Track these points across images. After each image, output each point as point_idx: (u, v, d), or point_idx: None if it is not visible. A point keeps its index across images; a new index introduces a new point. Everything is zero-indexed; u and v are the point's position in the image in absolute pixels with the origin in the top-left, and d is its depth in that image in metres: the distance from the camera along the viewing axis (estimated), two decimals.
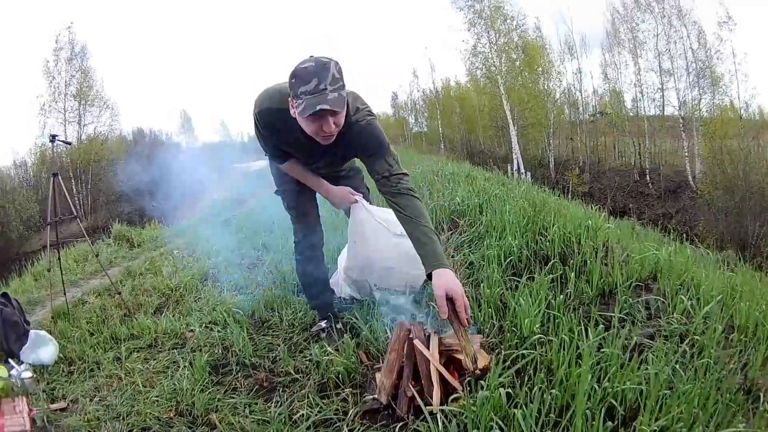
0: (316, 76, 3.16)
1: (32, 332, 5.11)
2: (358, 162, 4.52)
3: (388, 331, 3.95)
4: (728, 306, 3.76)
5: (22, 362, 4.86)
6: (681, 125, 34.40)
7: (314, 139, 3.49)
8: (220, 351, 4.60)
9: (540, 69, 41.54)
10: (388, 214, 4.33)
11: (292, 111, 3.36)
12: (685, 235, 6.01)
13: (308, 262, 4.51)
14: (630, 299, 3.93)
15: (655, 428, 2.52)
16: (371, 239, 4.45)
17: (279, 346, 4.47)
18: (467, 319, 3.12)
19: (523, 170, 36.97)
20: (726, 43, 33.23)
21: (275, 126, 3.72)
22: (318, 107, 3.15)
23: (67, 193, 6.72)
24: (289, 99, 3.34)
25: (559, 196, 8.64)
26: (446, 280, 3.13)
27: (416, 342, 3.14)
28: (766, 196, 26.62)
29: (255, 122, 3.77)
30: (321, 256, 4.59)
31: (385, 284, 4.58)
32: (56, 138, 6.71)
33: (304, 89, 3.18)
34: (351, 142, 3.68)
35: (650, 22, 36.57)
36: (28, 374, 4.61)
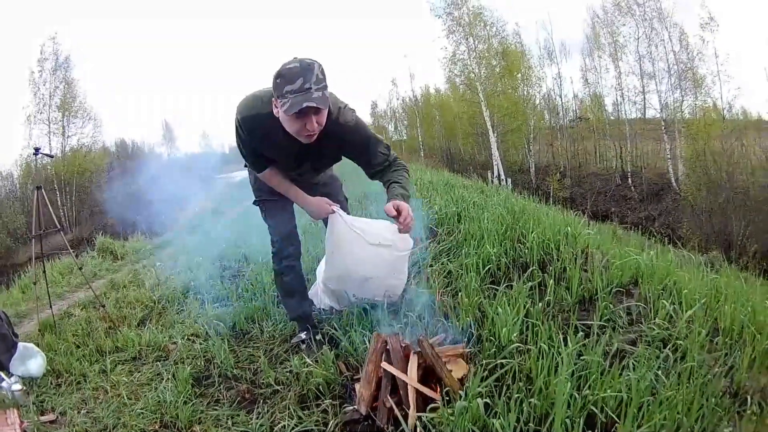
0: (301, 76, 3.31)
1: (20, 345, 5.09)
2: (335, 170, 4.72)
3: (366, 341, 3.95)
4: (712, 309, 3.76)
5: (12, 374, 4.85)
6: (663, 127, 34.47)
7: (298, 143, 3.66)
8: (202, 363, 4.61)
9: (520, 75, 41.55)
10: (364, 224, 4.38)
11: (275, 110, 3.53)
12: (668, 237, 6.03)
13: (286, 272, 4.54)
14: (611, 305, 3.94)
15: None
16: (348, 249, 4.43)
17: (260, 357, 4.47)
18: (408, 222, 3.61)
19: (503, 176, 36.91)
20: (708, 44, 33.33)
21: (258, 131, 3.78)
22: (304, 104, 3.29)
23: (50, 207, 6.70)
24: (273, 98, 3.49)
25: (539, 201, 8.63)
26: (397, 202, 3.62)
27: (391, 369, 3.17)
28: (750, 196, 26.75)
29: (237, 128, 3.82)
30: (299, 266, 4.61)
31: (363, 294, 4.59)
32: (39, 151, 6.70)
33: (289, 88, 3.32)
34: (339, 142, 3.87)
35: (631, 26, 36.68)
36: (18, 387, 4.61)
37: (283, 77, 3.35)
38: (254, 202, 4.58)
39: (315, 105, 3.31)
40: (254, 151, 4.00)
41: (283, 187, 4.26)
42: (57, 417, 4.19)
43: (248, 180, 4.57)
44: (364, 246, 4.30)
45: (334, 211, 4.37)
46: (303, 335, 4.49)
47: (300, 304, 4.62)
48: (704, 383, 2.91)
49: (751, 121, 32.87)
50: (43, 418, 4.13)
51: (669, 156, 34.01)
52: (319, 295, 4.96)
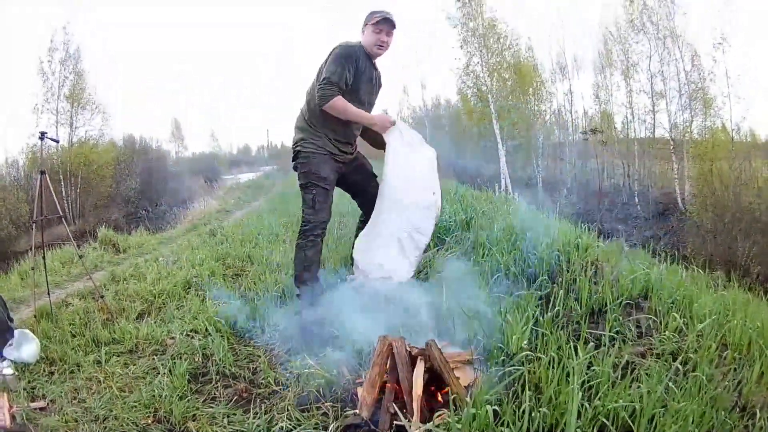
0: (384, 10, 5.11)
1: (16, 330, 5.03)
2: None
3: (371, 344, 3.86)
4: (721, 324, 3.74)
5: (5, 359, 4.79)
6: (671, 147, 34.42)
7: (371, 70, 5.35)
8: (200, 359, 4.55)
9: (531, 90, 41.55)
10: (414, 135, 5.69)
11: (362, 36, 5.25)
12: (673, 256, 5.97)
13: (310, 246, 5.26)
14: (620, 317, 3.93)
15: None
16: (404, 156, 5.47)
17: (260, 357, 4.46)
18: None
19: (510, 190, 36.90)
20: (720, 64, 33.21)
21: (352, 57, 5.11)
22: (386, 15, 5.09)
23: (53, 192, 6.64)
24: (363, 27, 5.25)
25: (547, 216, 8.63)
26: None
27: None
28: (756, 217, 26.71)
29: (338, 57, 5.08)
30: (321, 244, 5.46)
31: (416, 198, 5.47)
32: (45, 135, 6.66)
33: (376, 12, 5.10)
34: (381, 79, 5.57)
35: (644, 44, 36.60)
36: (9, 371, 4.58)
37: (372, 11, 5.12)
38: (303, 185, 5.33)
39: (391, 18, 5.09)
40: (346, 77, 5.09)
41: (351, 110, 5.18)
42: (47, 404, 4.12)
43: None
44: (416, 149, 5.56)
45: (395, 123, 5.48)
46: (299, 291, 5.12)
47: (313, 276, 5.29)
48: (714, 397, 2.91)
49: (760, 143, 32.83)
50: (33, 405, 4.06)
51: (676, 176, 33.97)
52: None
